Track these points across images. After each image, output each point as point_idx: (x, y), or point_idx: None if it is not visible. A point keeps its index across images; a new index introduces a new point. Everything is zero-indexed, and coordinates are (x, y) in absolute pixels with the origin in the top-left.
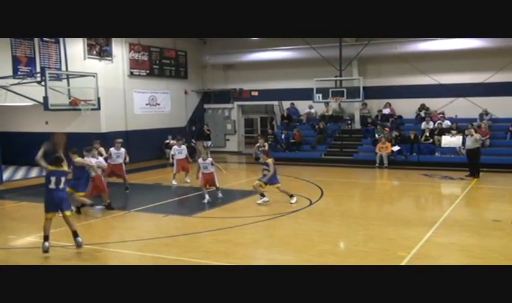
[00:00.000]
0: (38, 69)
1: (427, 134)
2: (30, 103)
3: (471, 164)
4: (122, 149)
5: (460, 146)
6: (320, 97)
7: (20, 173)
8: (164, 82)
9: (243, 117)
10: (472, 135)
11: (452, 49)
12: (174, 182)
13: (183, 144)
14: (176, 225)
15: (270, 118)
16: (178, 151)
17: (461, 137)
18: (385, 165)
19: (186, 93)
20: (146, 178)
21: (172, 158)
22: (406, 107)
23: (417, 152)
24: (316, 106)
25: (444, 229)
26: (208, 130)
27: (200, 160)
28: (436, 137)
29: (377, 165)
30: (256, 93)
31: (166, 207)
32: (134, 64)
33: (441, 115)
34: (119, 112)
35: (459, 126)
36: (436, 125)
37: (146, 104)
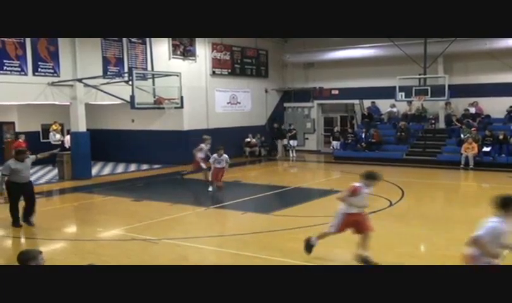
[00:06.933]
0: (126, 69)
1: None
2: (118, 101)
3: None
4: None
5: None
6: (403, 96)
7: (107, 169)
8: (244, 81)
9: (322, 115)
10: None
11: None
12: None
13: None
14: (255, 222)
15: (350, 117)
16: (218, 160)
17: None
18: (471, 166)
19: (266, 91)
20: (225, 176)
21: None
22: (495, 106)
23: (506, 153)
24: (399, 105)
25: None
26: (294, 129)
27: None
28: None
29: (461, 166)
30: (336, 92)
31: (244, 204)
32: (216, 63)
33: None
34: (201, 111)
35: None
36: None
37: (228, 103)
